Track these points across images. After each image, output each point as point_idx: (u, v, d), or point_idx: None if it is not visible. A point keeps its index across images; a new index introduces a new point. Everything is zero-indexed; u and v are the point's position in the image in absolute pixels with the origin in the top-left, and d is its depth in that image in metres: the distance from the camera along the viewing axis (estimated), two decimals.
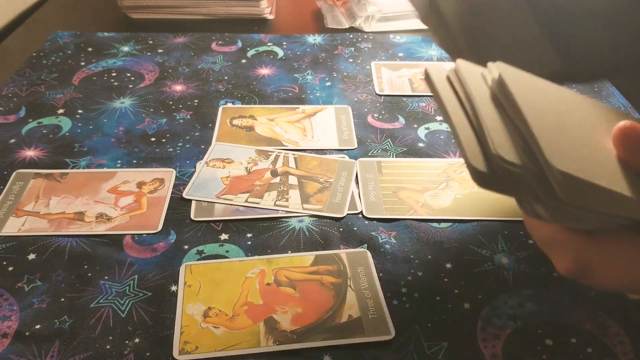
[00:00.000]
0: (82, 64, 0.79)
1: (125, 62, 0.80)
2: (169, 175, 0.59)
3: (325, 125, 0.67)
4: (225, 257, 0.50)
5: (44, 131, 0.65)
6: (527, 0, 0.35)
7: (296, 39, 0.87)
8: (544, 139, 0.25)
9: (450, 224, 0.53)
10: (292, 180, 0.58)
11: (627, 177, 0.27)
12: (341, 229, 0.53)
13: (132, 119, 0.68)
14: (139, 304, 0.45)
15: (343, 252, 0.50)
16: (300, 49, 0.84)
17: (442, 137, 0.65)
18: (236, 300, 0.45)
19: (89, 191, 0.56)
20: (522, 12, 0.35)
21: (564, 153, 0.26)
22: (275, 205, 0.55)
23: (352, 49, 0.84)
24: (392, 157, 0.62)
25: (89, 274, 0.48)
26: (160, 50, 0.83)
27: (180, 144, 0.64)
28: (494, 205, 0.55)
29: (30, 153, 0.62)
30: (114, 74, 0.77)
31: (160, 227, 0.52)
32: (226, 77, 0.77)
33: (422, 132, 0.66)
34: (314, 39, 0.87)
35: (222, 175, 0.59)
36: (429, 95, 0.73)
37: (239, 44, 0.86)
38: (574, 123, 0.28)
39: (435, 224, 0.53)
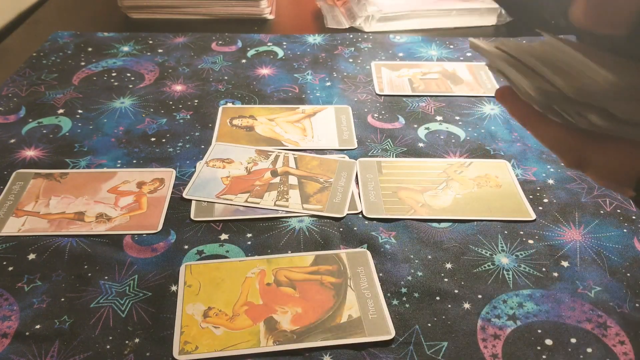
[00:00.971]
0: (82, 64, 0.79)
1: (125, 62, 0.80)
2: (169, 175, 0.59)
3: (325, 125, 0.67)
4: (225, 257, 0.50)
5: (44, 131, 0.65)
6: None
7: (296, 39, 0.87)
8: None
9: (450, 224, 0.53)
10: (292, 180, 0.58)
11: None
12: (341, 229, 0.53)
13: (132, 119, 0.68)
14: (139, 304, 0.45)
15: (343, 252, 0.50)
16: (300, 49, 0.84)
17: (442, 137, 0.65)
18: (236, 300, 0.45)
19: (89, 191, 0.56)
20: None
21: None
22: (275, 205, 0.55)
23: (352, 49, 0.84)
24: (392, 157, 0.62)
25: (89, 274, 0.48)
26: (160, 50, 0.83)
27: (180, 144, 0.64)
28: (494, 205, 0.55)
29: (30, 153, 0.62)
30: (114, 74, 0.77)
31: (160, 227, 0.52)
32: (226, 77, 0.77)
33: (422, 132, 0.66)
34: (314, 39, 0.87)
35: (222, 175, 0.59)
36: (429, 95, 0.73)
37: (239, 44, 0.86)
38: None
39: (435, 224, 0.53)
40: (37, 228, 0.52)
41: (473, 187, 0.57)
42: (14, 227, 0.52)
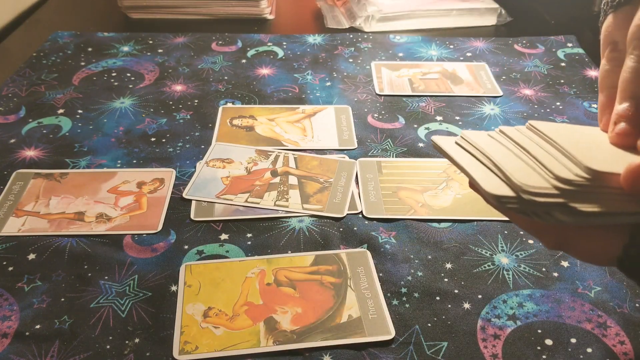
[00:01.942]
0: (82, 64, 0.79)
1: (125, 62, 0.80)
2: (169, 175, 0.59)
3: (325, 125, 0.67)
4: (225, 257, 0.50)
5: (44, 131, 0.65)
6: None
7: (296, 39, 0.87)
8: (575, 151, 0.32)
9: (450, 224, 0.53)
10: (292, 180, 0.58)
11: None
12: (341, 229, 0.53)
13: (132, 119, 0.68)
14: (139, 304, 0.45)
15: (343, 252, 0.50)
16: (300, 49, 0.84)
17: None
18: (236, 300, 0.45)
19: (89, 191, 0.56)
20: None
21: (592, 157, 0.32)
22: (275, 205, 0.55)
23: (352, 49, 0.84)
24: (392, 157, 0.62)
25: (89, 274, 0.48)
26: (160, 50, 0.83)
27: (180, 144, 0.64)
28: None
29: (30, 153, 0.62)
30: (114, 74, 0.77)
31: (160, 227, 0.52)
32: (226, 77, 0.77)
33: (422, 132, 0.66)
34: (314, 39, 0.87)
35: (222, 175, 0.59)
36: (429, 95, 0.73)
37: (239, 44, 0.86)
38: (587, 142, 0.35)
39: (435, 224, 0.53)
40: (37, 228, 0.52)
41: None
42: (14, 227, 0.52)
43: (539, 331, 0.44)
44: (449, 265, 0.49)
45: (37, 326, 0.43)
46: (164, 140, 0.64)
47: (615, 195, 0.31)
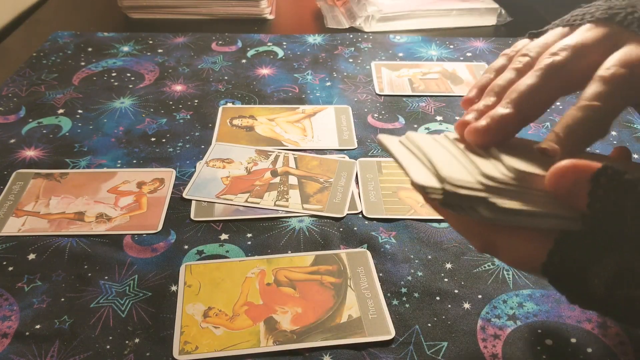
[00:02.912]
0: (82, 64, 0.79)
1: (125, 62, 0.80)
2: (169, 175, 0.59)
3: (325, 125, 0.67)
4: (225, 257, 0.50)
5: (44, 131, 0.65)
6: None
7: (296, 39, 0.87)
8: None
9: None
10: (292, 180, 0.58)
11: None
12: (341, 229, 0.53)
13: (132, 119, 0.68)
14: (139, 304, 0.45)
15: (343, 252, 0.50)
16: (300, 49, 0.84)
17: None
18: (236, 300, 0.45)
19: (89, 191, 0.56)
20: None
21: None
22: (275, 205, 0.55)
23: (352, 49, 0.84)
24: None
25: (89, 274, 0.48)
26: (160, 50, 0.83)
27: (180, 144, 0.64)
28: None
29: (30, 153, 0.62)
30: (114, 74, 0.77)
31: (160, 227, 0.52)
32: (226, 77, 0.77)
33: (422, 132, 0.66)
34: (314, 39, 0.87)
35: (222, 175, 0.59)
36: (429, 95, 0.73)
37: (239, 44, 0.86)
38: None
39: (435, 224, 0.53)
40: (37, 228, 0.52)
41: None
42: (14, 227, 0.52)
43: (539, 331, 0.44)
44: (449, 265, 0.49)
45: (37, 326, 0.43)
46: (164, 140, 0.64)
47: (539, 197, 0.32)
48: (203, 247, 0.51)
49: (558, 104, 0.71)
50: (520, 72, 0.38)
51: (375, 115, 0.69)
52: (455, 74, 0.78)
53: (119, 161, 0.61)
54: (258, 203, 0.55)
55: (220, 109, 0.70)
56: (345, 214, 0.54)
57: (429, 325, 0.44)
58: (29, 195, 0.56)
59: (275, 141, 0.64)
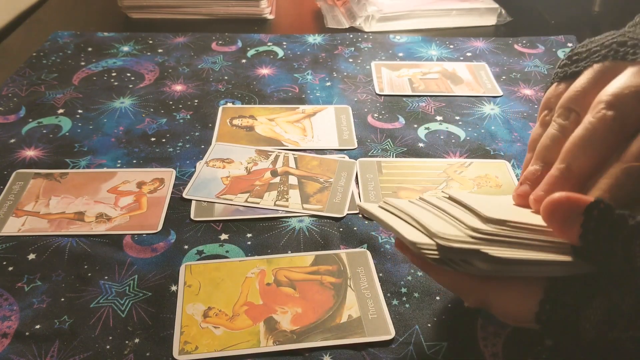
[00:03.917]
0: (82, 64, 0.79)
1: (125, 62, 0.80)
2: (169, 175, 0.59)
3: (325, 125, 0.67)
4: (225, 257, 0.50)
5: (44, 131, 0.65)
6: None
7: (296, 39, 0.87)
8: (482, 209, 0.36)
9: None
10: (292, 180, 0.58)
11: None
12: (341, 229, 0.53)
13: (132, 119, 0.68)
14: (139, 304, 0.45)
15: (343, 252, 0.50)
16: (300, 49, 0.84)
17: (442, 137, 0.65)
18: (236, 300, 0.45)
19: (89, 191, 0.56)
20: None
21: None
22: (275, 205, 0.55)
23: (352, 49, 0.85)
24: (392, 157, 0.62)
25: (89, 274, 0.48)
26: (160, 50, 0.83)
27: (180, 144, 0.64)
28: None
29: (30, 153, 0.62)
30: (114, 74, 0.77)
31: (160, 227, 0.53)
32: (226, 77, 0.77)
33: (422, 132, 0.66)
34: (314, 39, 0.87)
35: (222, 175, 0.59)
36: (429, 95, 0.73)
37: (239, 44, 0.86)
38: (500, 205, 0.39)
39: None
40: (37, 228, 0.52)
41: (473, 187, 0.57)
42: (14, 227, 0.52)
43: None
44: None
45: (37, 326, 0.43)
46: (164, 140, 0.64)
47: (531, 244, 0.34)
48: (203, 247, 0.51)
49: None
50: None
51: (375, 115, 0.69)
52: (455, 74, 0.78)
53: (119, 161, 0.61)
54: (258, 203, 0.55)
55: (220, 109, 0.70)
56: (345, 214, 0.54)
57: (429, 325, 0.44)
58: (28, 195, 0.56)
59: (275, 141, 0.64)
